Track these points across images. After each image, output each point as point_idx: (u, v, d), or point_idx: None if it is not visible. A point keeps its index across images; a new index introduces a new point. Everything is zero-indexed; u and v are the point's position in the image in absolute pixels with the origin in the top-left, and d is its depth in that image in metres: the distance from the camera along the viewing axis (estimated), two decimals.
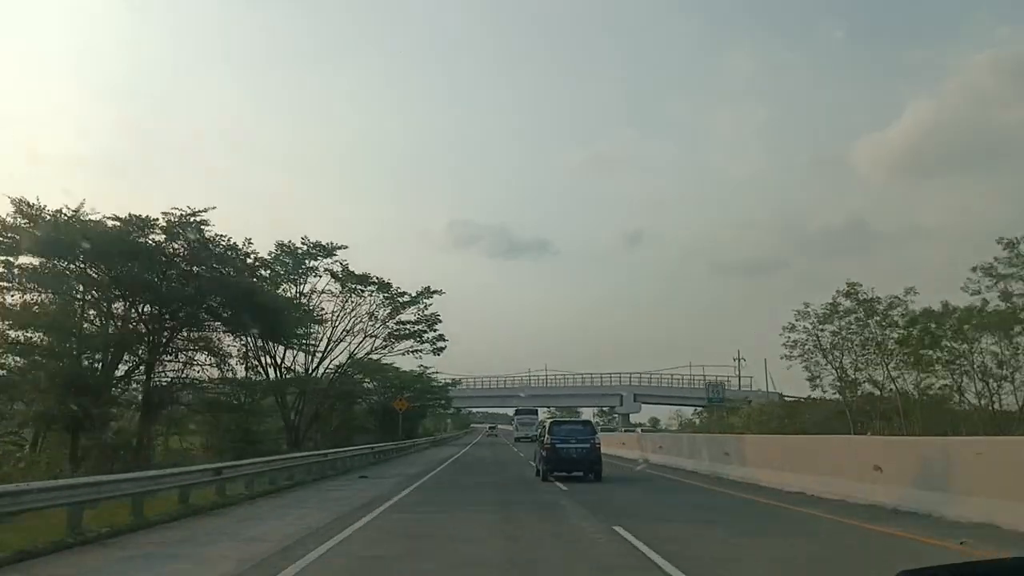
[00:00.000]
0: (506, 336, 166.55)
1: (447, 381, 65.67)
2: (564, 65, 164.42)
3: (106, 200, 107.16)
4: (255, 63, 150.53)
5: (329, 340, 37.15)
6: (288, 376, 34.94)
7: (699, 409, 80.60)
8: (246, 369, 30.43)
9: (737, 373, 79.39)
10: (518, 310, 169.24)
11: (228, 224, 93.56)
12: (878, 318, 36.36)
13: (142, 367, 22.56)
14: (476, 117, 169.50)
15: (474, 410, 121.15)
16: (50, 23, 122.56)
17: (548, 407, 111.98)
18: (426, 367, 58.98)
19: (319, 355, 36.90)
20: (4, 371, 20.17)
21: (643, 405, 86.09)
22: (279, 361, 34.49)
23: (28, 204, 19.69)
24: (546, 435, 21.83)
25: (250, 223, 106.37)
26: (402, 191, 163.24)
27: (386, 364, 48.58)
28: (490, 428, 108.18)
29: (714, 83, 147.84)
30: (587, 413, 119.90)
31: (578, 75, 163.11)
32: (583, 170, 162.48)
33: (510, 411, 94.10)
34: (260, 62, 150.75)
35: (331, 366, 38.11)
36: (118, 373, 21.96)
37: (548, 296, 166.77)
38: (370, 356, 40.37)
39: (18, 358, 20.17)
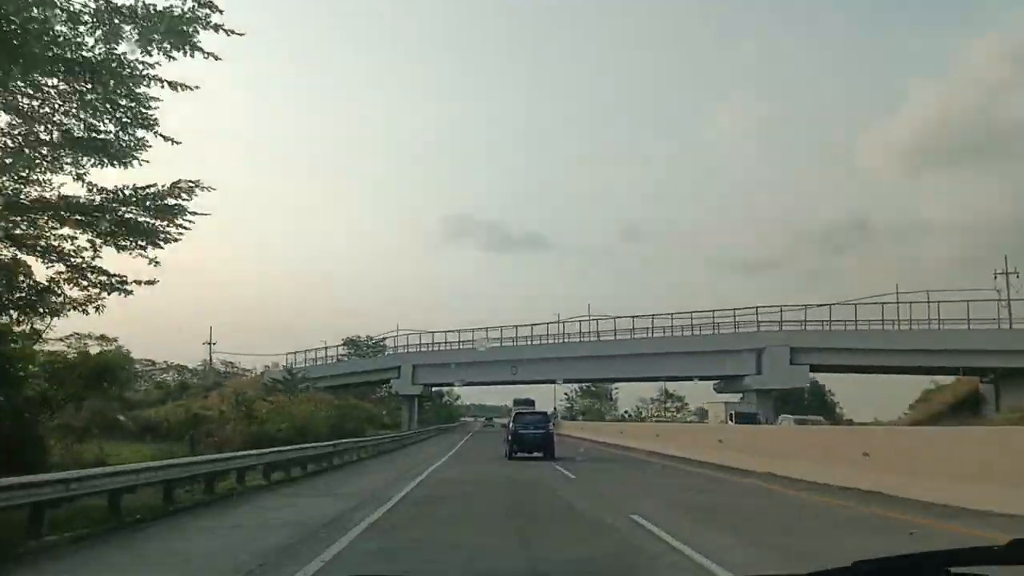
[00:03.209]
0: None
1: None
2: (563, 61, 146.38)
3: None
4: (240, 50, 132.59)
5: None
6: None
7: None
8: None
9: (1004, 298, 42.43)
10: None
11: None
12: None
13: None
14: (473, 113, 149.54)
15: (459, 389, 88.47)
16: None
17: (586, 383, 79.42)
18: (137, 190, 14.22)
19: None
20: None
21: (811, 372, 46.91)
22: None
23: None
24: (511, 423, 28.22)
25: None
26: (398, 187, 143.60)
27: None
28: (487, 420, 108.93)
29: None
30: (629, 394, 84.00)
31: (577, 71, 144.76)
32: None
33: (512, 403, 70.11)
34: (246, 50, 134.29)
35: None
36: None
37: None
38: None
39: None
